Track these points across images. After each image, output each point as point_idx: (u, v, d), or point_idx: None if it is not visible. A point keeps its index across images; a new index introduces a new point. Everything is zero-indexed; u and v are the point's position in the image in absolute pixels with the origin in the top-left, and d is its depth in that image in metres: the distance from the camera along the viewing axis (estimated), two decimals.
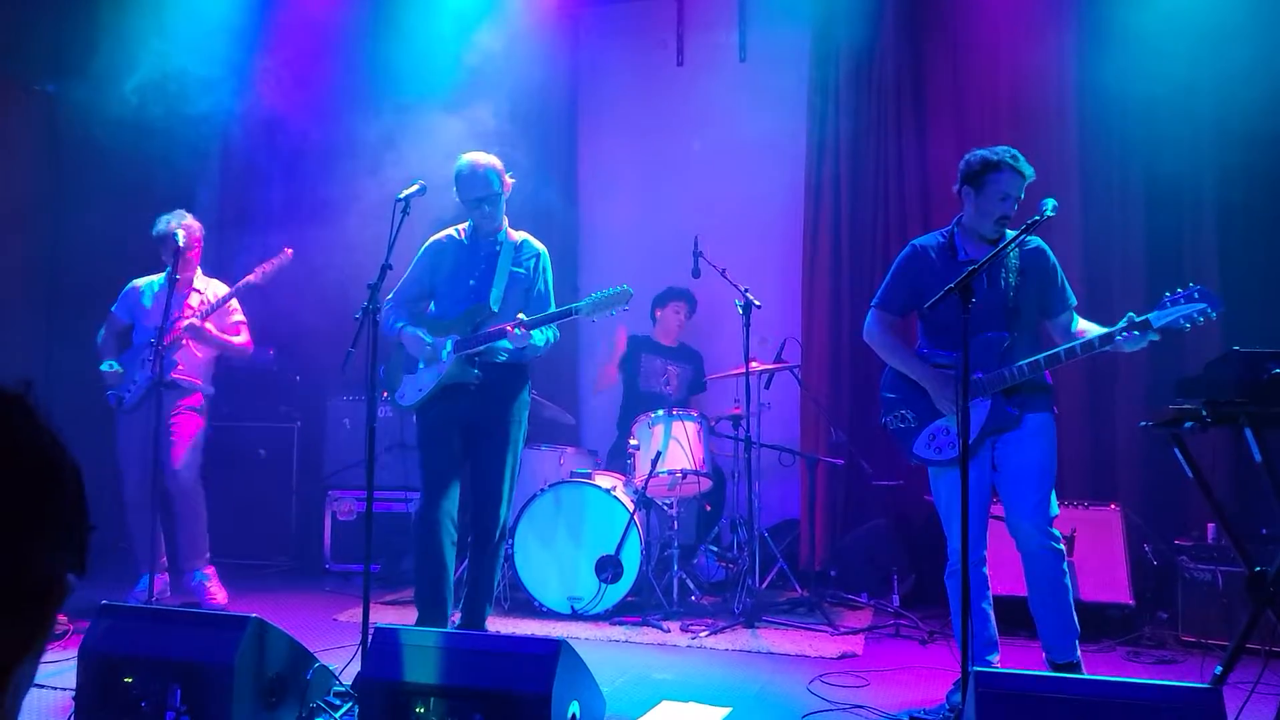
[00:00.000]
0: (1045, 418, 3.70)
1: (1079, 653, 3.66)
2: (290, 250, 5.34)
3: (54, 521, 0.91)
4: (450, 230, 4.38)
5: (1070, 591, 3.66)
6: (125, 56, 5.89)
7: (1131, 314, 3.47)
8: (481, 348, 4.14)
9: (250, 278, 5.28)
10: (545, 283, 4.35)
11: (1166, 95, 5.42)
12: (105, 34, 5.97)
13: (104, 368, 5.29)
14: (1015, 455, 3.68)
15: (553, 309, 4.26)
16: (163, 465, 5.21)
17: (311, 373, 6.65)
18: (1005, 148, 3.75)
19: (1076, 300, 3.85)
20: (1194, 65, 5.36)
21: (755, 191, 6.67)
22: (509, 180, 4.28)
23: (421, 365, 4.22)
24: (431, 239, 4.38)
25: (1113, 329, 3.50)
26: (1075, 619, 3.66)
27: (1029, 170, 3.70)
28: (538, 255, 4.35)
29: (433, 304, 4.37)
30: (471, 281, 4.25)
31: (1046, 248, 3.83)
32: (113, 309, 5.46)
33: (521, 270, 4.29)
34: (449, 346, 4.16)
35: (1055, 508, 3.69)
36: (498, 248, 4.28)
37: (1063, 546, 3.67)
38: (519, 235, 4.37)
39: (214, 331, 5.29)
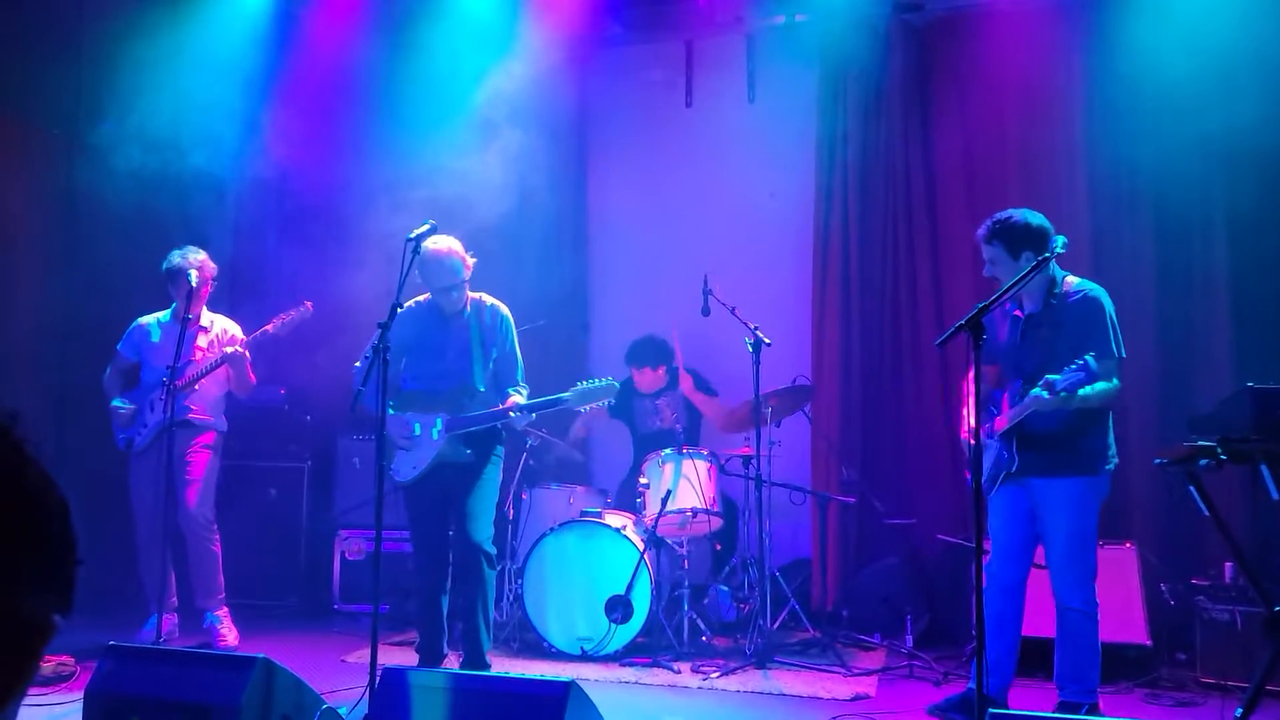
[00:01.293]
0: (1071, 484, 3.74)
1: (1095, 699, 3.74)
2: (310, 304, 5.32)
3: (39, 559, 0.86)
4: (416, 299, 4.53)
5: (1092, 648, 3.74)
6: (141, 104, 5.97)
7: (1049, 377, 3.53)
8: (472, 429, 4.33)
9: (267, 328, 5.25)
10: (513, 346, 4.55)
11: (1175, 119, 5.42)
12: (122, 81, 6.04)
13: (115, 404, 5.27)
14: (1046, 518, 3.82)
15: (520, 369, 4.51)
16: (179, 505, 5.21)
17: (322, 412, 6.64)
18: (999, 214, 3.90)
19: (1123, 354, 3.79)
20: (1202, 89, 5.36)
21: (765, 229, 6.70)
22: (470, 262, 4.43)
23: (414, 442, 4.40)
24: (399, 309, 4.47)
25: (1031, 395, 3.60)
26: (1094, 672, 3.75)
27: (990, 240, 3.84)
28: (502, 318, 4.54)
29: (407, 372, 4.52)
30: (449, 358, 4.43)
31: (1100, 296, 3.79)
32: (118, 347, 5.43)
33: (489, 336, 4.48)
34: (439, 425, 4.34)
35: (1085, 570, 3.75)
36: (467, 318, 4.47)
37: (1090, 609, 3.75)
38: (482, 299, 4.55)
39: (249, 359, 5.26)
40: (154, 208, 6.15)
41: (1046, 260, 3.45)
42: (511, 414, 4.26)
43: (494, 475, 4.47)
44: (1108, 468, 3.81)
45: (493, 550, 4.41)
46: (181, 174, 6.06)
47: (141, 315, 5.49)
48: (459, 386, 4.38)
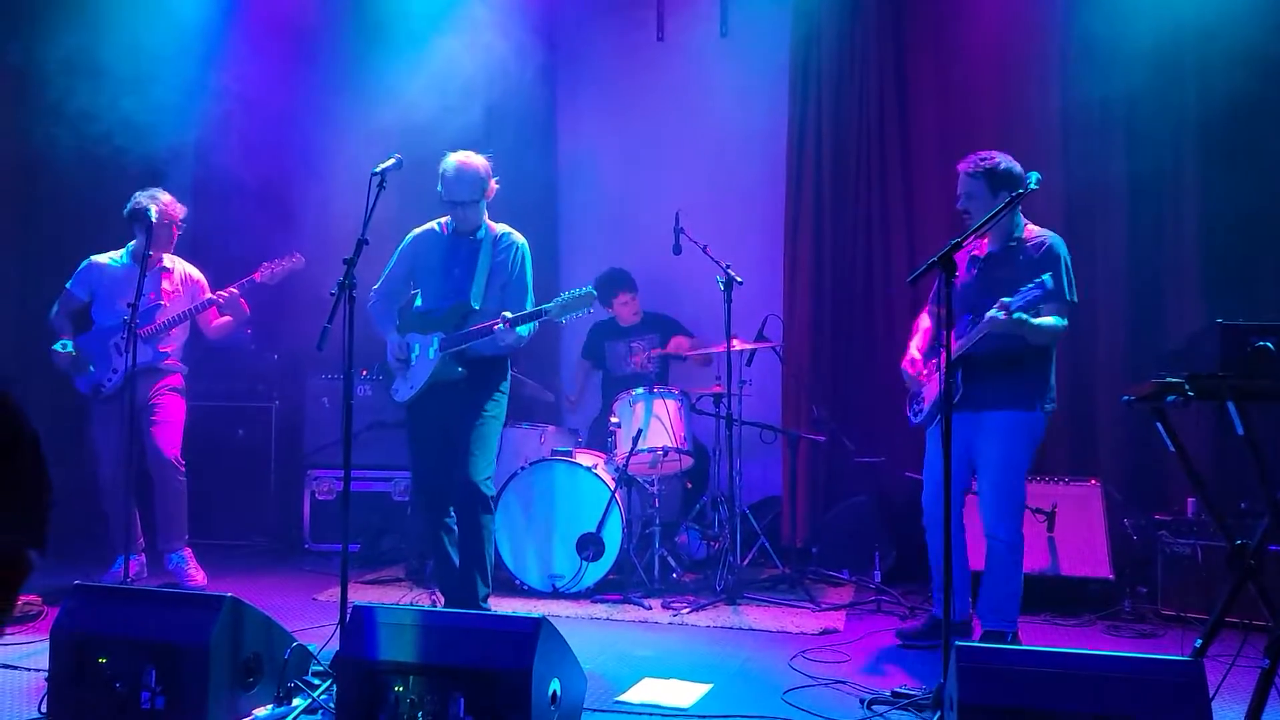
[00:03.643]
0: (1006, 416, 3.93)
1: (1015, 628, 3.99)
2: (301, 256, 5.21)
3: (12, 493, 0.85)
4: (432, 224, 4.45)
5: (1010, 580, 3.95)
6: (100, 45, 5.78)
7: (1003, 299, 3.65)
8: (464, 345, 4.23)
9: (255, 276, 5.12)
10: (524, 275, 4.40)
11: (1151, 55, 5.39)
12: (82, 19, 5.84)
13: (56, 347, 5.09)
14: (982, 448, 4.00)
15: (530, 300, 4.37)
16: (146, 447, 5.14)
17: (290, 351, 6.56)
18: (986, 154, 4.01)
19: (1076, 299, 3.95)
20: (1179, 25, 5.31)
21: (737, 167, 6.62)
22: (493, 185, 4.32)
23: (413, 361, 4.32)
24: (413, 232, 4.46)
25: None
26: (1014, 604, 3.97)
27: (975, 175, 3.97)
28: (516, 247, 4.40)
29: (419, 297, 4.46)
30: (454, 277, 4.32)
31: (1057, 244, 3.96)
32: (69, 286, 5.24)
33: (500, 264, 4.35)
34: (435, 344, 4.26)
35: (1013, 502, 3.94)
36: (478, 243, 4.35)
37: (1014, 540, 3.95)
38: (499, 228, 4.42)
39: (245, 305, 5.16)
40: (113, 155, 5.93)
41: (1021, 196, 3.45)
42: (496, 327, 4.09)
43: (497, 412, 4.35)
44: (1046, 407, 3.97)
45: (491, 491, 4.28)
46: (142, 119, 5.86)
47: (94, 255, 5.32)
48: (456, 304, 4.28)
